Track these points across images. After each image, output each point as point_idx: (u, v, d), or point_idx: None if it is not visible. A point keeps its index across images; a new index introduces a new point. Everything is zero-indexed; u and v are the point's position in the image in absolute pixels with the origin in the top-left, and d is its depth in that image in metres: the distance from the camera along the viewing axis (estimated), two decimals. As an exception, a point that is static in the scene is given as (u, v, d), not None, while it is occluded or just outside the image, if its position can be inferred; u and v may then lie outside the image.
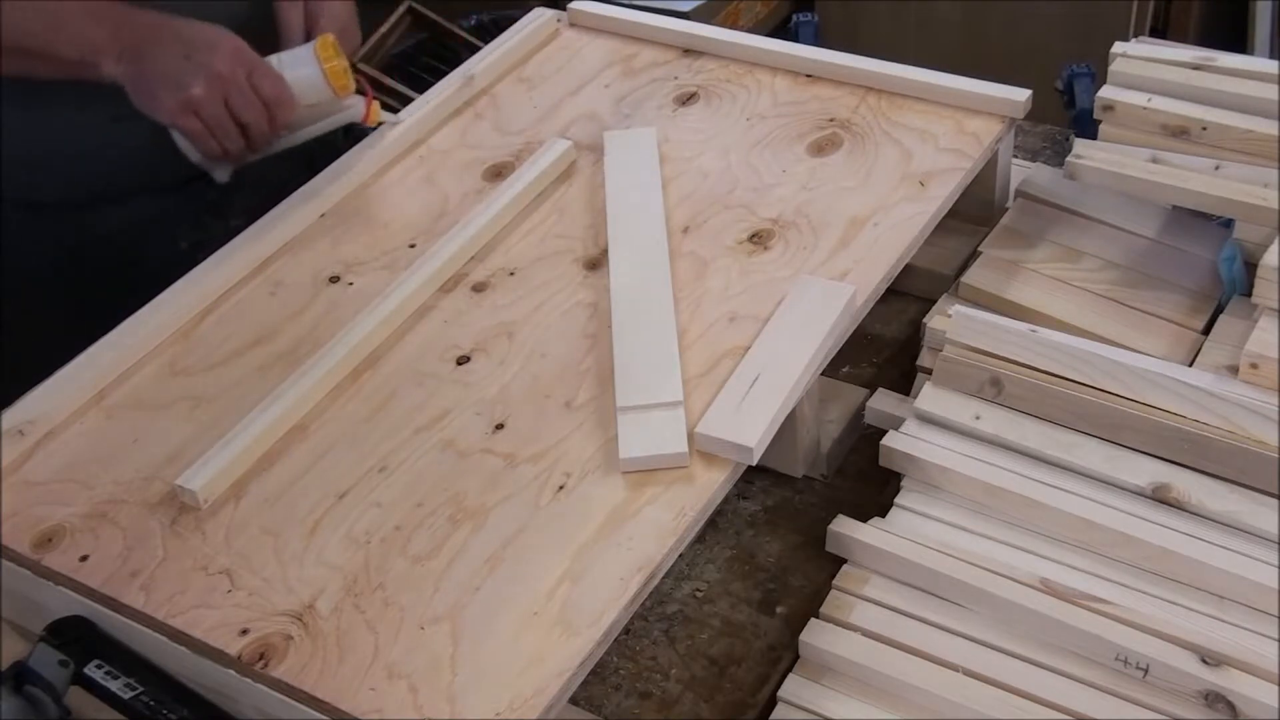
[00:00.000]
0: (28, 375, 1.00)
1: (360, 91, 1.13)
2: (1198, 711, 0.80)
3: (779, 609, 0.95)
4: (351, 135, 1.21)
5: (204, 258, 1.10)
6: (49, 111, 1.16)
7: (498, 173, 1.18)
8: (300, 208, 1.14)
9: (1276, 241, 0.97)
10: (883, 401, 1.03)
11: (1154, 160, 1.08)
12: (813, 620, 0.88)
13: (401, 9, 2.65)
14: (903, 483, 0.96)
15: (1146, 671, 0.82)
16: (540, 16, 1.36)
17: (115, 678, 0.84)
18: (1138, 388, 0.93)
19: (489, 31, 2.54)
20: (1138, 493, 0.91)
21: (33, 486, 0.94)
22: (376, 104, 1.14)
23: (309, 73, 1.08)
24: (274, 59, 1.08)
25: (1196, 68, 1.11)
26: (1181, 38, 2.53)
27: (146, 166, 1.17)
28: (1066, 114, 1.42)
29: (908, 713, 0.83)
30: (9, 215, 1.22)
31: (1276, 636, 0.83)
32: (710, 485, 0.87)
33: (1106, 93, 1.12)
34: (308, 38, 1.13)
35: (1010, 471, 0.93)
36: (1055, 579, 0.87)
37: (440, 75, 1.32)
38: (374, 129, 1.18)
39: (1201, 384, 0.92)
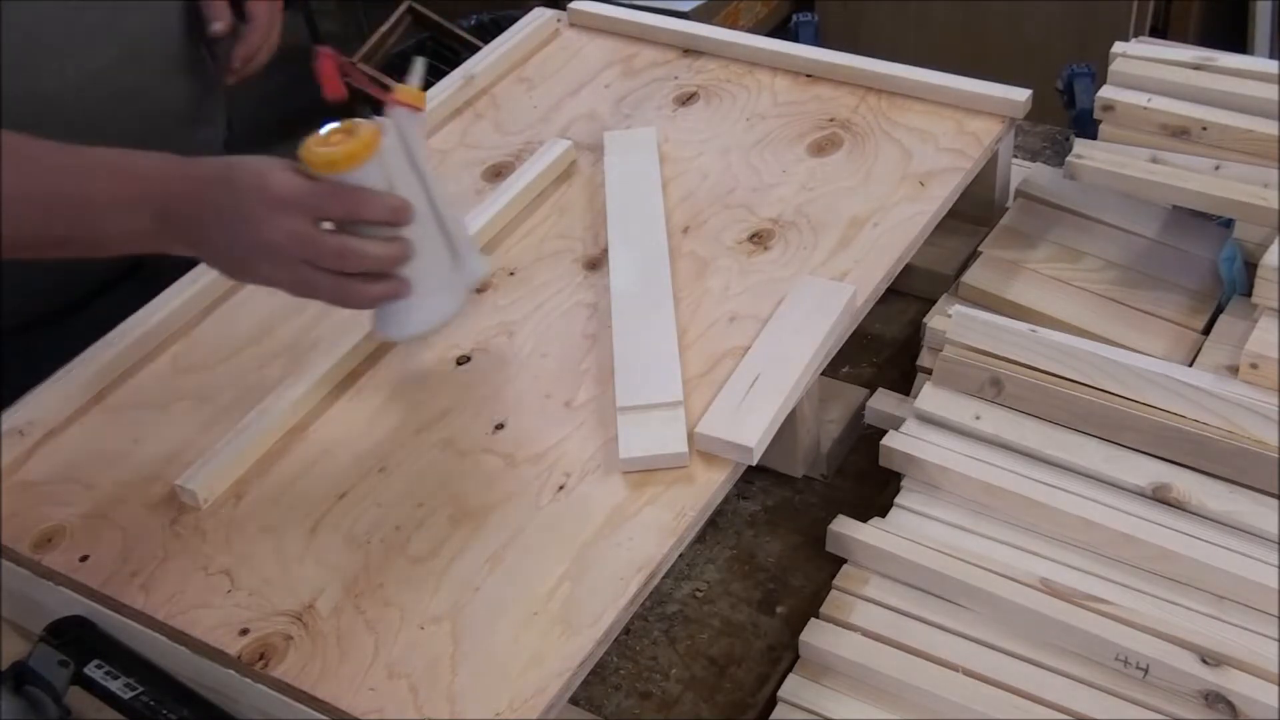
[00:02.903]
0: None
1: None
2: (1198, 711, 0.80)
3: (779, 609, 0.95)
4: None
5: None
6: None
7: (498, 173, 1.18)
8: (300, 208, 1.14)
9: (1276, 241, 0.97)
10: (883, 401, 1.03)
11: (1154, 160, 1.08)
12: (813, 620, 0.88)
13: (401, 9, 2.66)
14: (903, 483, 0.96)
15: (1146, 671, 0.82)
16: (540, 16, 1.36)
17: (115, 678, 0.84)
18: (1138, 388, 0.93)
19: (489, 31, 2.55)
20: (1138, 493, 0.91)
21: (33, 486, 0.94)
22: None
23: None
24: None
25: (1196, 68, 1.11)
26: (1181, 38, 2.53)
27: None
28: (1066, 114, 1.42)
29: (908, 713, 0.83)
30: None
31: (1276, 636, 0.83)
32: (710, 485, 0.87)
33: (1106, 93, 1.12)
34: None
35: (1010, 471, 0.93)
36: (1055, 579, 0.87)
37: (440, 75, 1.32)
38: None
39: (1201, 384, 0.92)
